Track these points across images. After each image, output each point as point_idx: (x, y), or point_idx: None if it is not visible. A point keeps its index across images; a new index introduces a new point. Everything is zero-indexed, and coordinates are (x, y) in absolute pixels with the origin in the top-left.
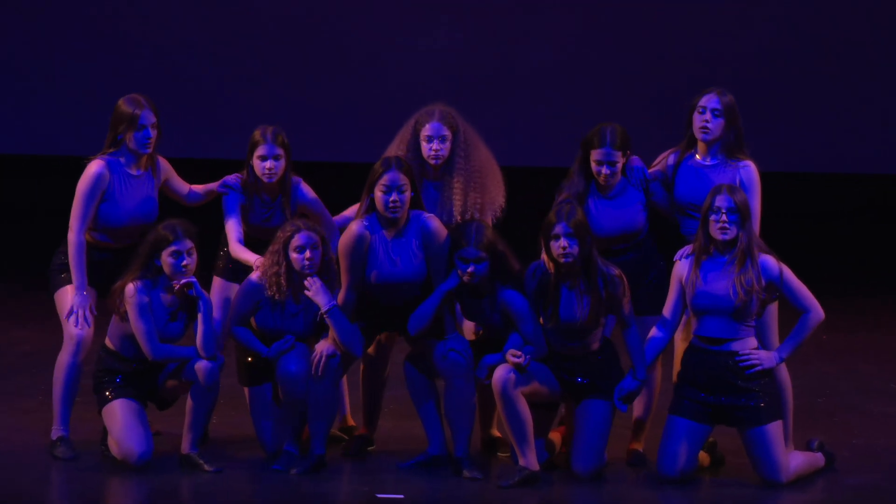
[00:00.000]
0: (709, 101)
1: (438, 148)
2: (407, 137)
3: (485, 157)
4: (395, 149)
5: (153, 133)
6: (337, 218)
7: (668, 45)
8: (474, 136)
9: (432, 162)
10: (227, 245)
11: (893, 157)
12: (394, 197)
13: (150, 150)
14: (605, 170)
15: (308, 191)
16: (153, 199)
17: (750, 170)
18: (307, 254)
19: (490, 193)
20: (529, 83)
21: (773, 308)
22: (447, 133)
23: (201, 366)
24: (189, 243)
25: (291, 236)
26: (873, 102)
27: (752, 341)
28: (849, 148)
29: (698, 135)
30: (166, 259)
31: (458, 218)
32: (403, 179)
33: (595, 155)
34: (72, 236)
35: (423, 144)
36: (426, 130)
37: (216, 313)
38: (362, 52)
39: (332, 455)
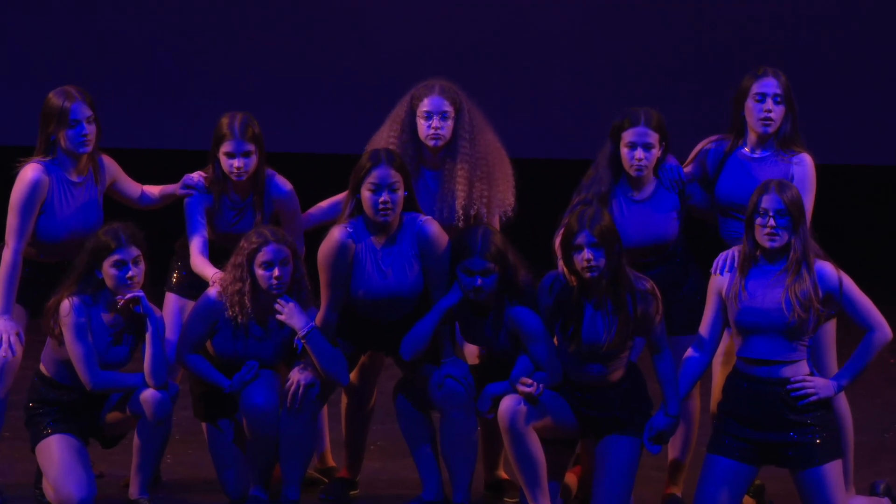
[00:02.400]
0: (767, 85)
1: (439, 126)
2: (401, 116)
3: (492, 142)
4: (388, 130)
5: (90, 129)
6: (311, 211)
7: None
8: (480, 117)
9: (431, 143)
10: (182, 254)
11: None
12: (384, 197)
13: (88, 149)
14: (639, 153)
15: (284, 184)
16: (97, 209)
17: (805, 166)
18: (276, 272)
19: (498, 186)
20: (542, 57)
21: (830, 326)
22: (449, 109)
23: (150, 396)
24: (135, 251)
25: (258, 249)
26: None
27: (806, 366)
28: None
29: (758, 127)
30: (108, 270)
31: (461, 213)
32: (395, 176)
33: (628, 136)
34: (7, 255)
35: (421, 123)
36: (424, 106)
37: (169, 334)
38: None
39: (307, 501)
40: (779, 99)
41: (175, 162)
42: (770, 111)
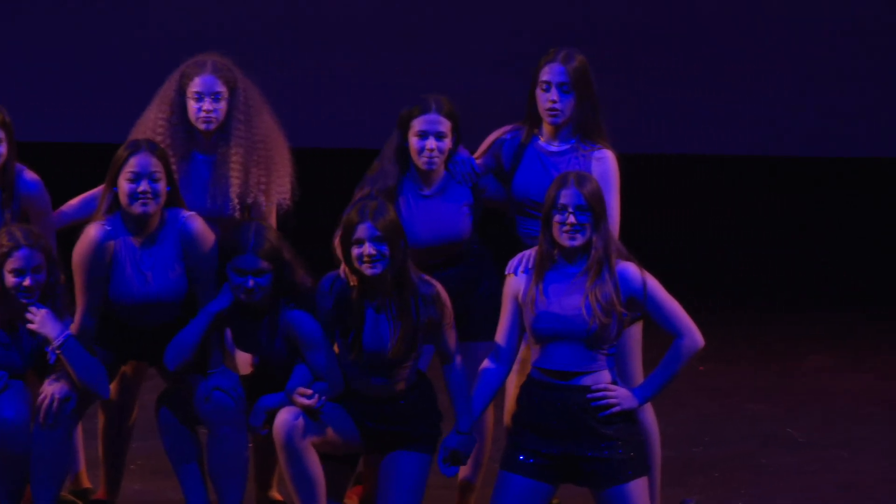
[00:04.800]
0: (553, 72)
1: (210, 109)
2: (170, 95)
3: (270, 124)
4: (155, 112)
5: None
6: (62, 208)
7: None
8: (258, 97)
9: (202, 126)
10: None
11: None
12: (143, 187)
13: None
14: (430, 143)
15: (33, 180)
16: None
17: (606, 162)
18: (27, 280)
19: (277, 171)
20: (336, 34)
21: (636, 331)
22: (222, 90)
23: None
24: None
25: (8, 254)
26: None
27: (608, 374)
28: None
29: (546, 118)
30: None
31: (237, 202)
32: (157, 165)
33: (417, 124)
34: None
35: (191, 104)
36: (195, 86)
37: None
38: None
39: None
40: (566, 88)
41: None
42: (556, 101)
